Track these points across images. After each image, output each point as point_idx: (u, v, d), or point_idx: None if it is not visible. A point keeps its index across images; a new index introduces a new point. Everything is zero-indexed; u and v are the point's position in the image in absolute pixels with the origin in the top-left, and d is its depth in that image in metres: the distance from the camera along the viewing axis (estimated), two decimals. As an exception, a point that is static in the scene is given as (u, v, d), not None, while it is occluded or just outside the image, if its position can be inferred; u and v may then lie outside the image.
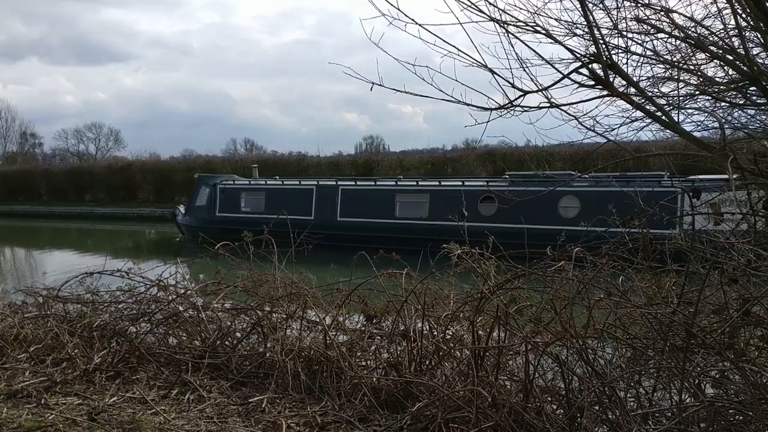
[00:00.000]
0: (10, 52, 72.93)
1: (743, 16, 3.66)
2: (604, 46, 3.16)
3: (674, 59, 4.16)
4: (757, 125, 4.83)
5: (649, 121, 3.89)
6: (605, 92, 3.23)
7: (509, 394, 2.69)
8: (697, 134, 4.06)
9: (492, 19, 3.08)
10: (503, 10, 3.12)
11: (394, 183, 16.46)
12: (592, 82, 3.15)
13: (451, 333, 3.34)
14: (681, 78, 4.11)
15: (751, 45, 4.05)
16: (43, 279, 5.56)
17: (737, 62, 3.71)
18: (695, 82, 4.25)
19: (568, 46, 3.29)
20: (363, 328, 3.75)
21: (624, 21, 3.82)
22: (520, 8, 3.34)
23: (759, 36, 4.03)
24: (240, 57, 80.00)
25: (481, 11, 3.06)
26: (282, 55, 79.06)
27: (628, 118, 4.21)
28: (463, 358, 3.03)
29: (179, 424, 2.79)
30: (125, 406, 3.03)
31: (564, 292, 2.81)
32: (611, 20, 3.75)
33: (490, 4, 3.06)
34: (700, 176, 10.32)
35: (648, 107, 3.45)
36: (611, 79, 3.11)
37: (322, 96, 74.74)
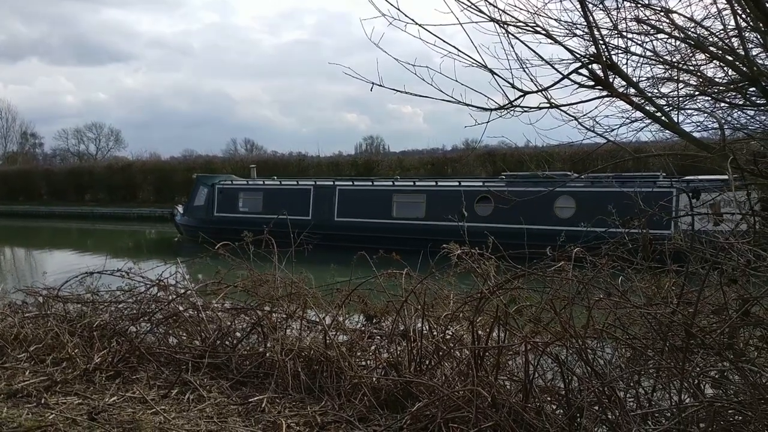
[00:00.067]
0: (11, 52, 73.07)
1: (743, 16, 3.66)
2: (603, 46, 3.16)
3: (674, 60, 4.16)
4: (757, 126, 4.83)
5: (648, 121, 3.89)
6: (605, 93, 3.23)
7: (509, 394, 2.69)
8: (696, 135, 4.07)
9: (492, 20, 3.09)
10: (503, 11, 3.13)
11: (391, 183, 16.54)
12: (592, 83, 3.15)
13: (450, 333, 3.34)
14: (681, 78, 4.11)
15: (750, 45, 4.06)
16: (44, 279, 5.56)
17: (737, 63, 3.72)
18: (695, 83, 4.25)
19: (568, 47, 3.29)
20: (363, 328, 3.75)
21: (624, 21, 3.83)
22: (520, 9, 3.35)
23: (758, 37, 4.04)
24: (240, 57, 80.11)
25: (481, 12, 3.06)
26: (282, 56, 79.16)
27: (627, 118, 4.22)
28: (463, 358, 3.03)
29: (179, 424, 2.79)
30: (125, 405, 3.03)
31: (563, 292, 2.81)
32: (611, 21, 3.76)
33: (490, 4, 3.06)
34: (696, 177, 10.34)
35: (648, 108, 3.45)
36: (611, 80, 3.11)
37: (322, 96, 74.84)
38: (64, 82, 76.53)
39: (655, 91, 4.26)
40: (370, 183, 16.96)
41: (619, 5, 3.78)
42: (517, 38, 3.14)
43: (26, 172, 35.27)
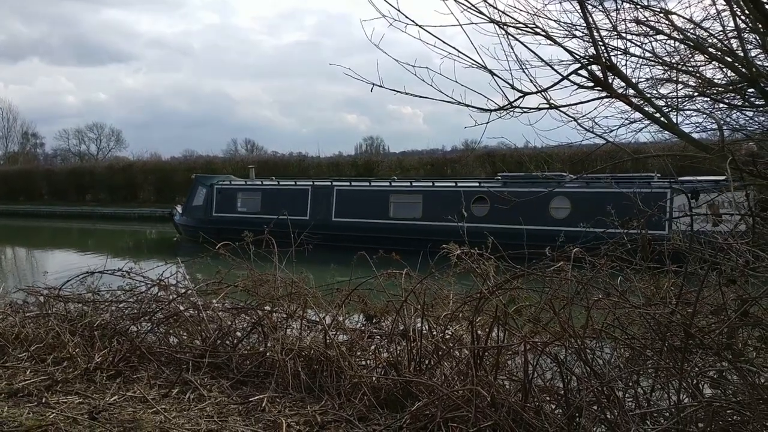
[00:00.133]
0: (11, 53, 73.13)
1: (742, 17, 3.67)
2: (603, 47, 3.17)
3: (673, 61, 4.18)
4: (756, 127, 4.84)
5: (647, 122, 3.90)
6: (604, 94, 3.24)
7: (508, 393, 2.70)
8: (695, 135, 4.08)
9: (492, 21, 3.10)
10: (503, 12, 3.14)
11: (388, 184, 16.61)
12: (591, 84, 3.16)
13: (450, 333, 3.35)
14: (680, 79, 4.13)
15: (749, 47, 4.07)
16: (44, 278, 5.57)
17: (736, 64, 3.73)
18: (694, 84, 4.26)
19: (568, 48, 3.30)
20: (363, 328, 3.76)
21: (623, 23, 3.84)
22: (520, 10, 3.36)
23: (757, 38, 4.05)
24: (240, 57, 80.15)
25: (481, 13, 3.07)
26: (282, 56, 79.18)
27: (626, 119, 4.23)
28: (463, 357, 3.04)
29: (180, 423, 2.80)
30: (126, 405, 3.04)
31: (563, 293, 2.82)
32: (610, 22, 3.77)
33: (489, 5, 3.07)
34: (690, 177, 10.36)
35: (647, 108, 3.46)
36: (610, 81, 3.12)
37: (323, 97, 74.85)
38: (65, 82, 76.67)
39: (654, 92, 4.28)
40: (368, 183, 17.07)
41: (619, 6, 3.80)
42: (516, 39, 3.16)
43: (27, 172, 35.29)
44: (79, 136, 52.61)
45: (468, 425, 2.48)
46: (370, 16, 3.01)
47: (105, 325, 3.94)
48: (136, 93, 74.59)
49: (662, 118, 3.43)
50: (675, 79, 4.10)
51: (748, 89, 4.02)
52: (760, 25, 3.51)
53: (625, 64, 3.75)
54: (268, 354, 3.49)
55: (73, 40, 77.24)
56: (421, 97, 3.14)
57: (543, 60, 3.23)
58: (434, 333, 3.26)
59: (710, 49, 3.91)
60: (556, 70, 3.18)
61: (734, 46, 3.88)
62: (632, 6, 3.86)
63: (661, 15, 3.96)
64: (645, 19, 3.93)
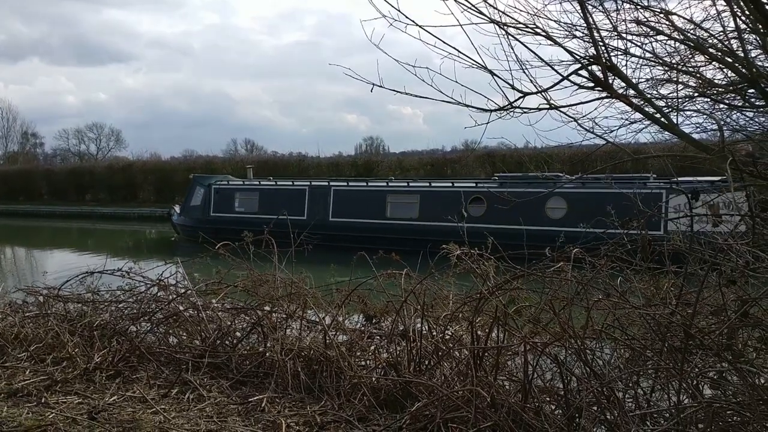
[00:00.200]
0: (11, 52, 73.16)
1: (742, 18, 3.67)
2: (603, 48, 3.17)
3: (673, 61, 4.18)
4: (756, 127, 4.84)
5: (647, 122, 3.90)
6: (604, 94, 3.24)
7: (508, 394, 2.69)
8: (695, 136, 4.07)
9: (492, 21, 3.09)
10: (503, 12, 3.13)
11: (385, 184, 16.71)
12: (592, 84, 3.15)
13: (450, 333, 3.35)
14: (680, 80, 4.13)
15: (750, 47, 4.07)
16: (44, 278, 5.57)
17: (736, 64, 3.72)
18: (694, 84, 4.26)
19: (568, 48, 3.30)
20: (362, 328, 3.76)
21: (623, 23, 3.85)
22: (520, 10, 3.36)
23: (758, 38, 4.04)
24: (240, 57, 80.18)
25: (481, 13, 3.06)
26: (282, 56, 79.20)
27: (627, 119, 4.23)
28: (462, 358, 3.04)
29: (179, 423, 2.80)
30: (125, 405, 3.04)
31: (563, 293, 2.82)
32: (611, 22, 3.77)
33: (490, 5, 3.07)
34: (687, 178, 10.38)
35: (647, 109, 3.45)
36: (610, 81, 3.12)
37: (322, 97, 74.88)
38: (65, 82, 76.70)
39: (655, 92, 4.28)
40: (365, 183, 17.15)
41: (619, 7, 3.80)
42: (516, 40, 3.15)
43: (27, 172, 35.28)
44: (79, 136, 52.70)
45: (468, 426, 2.48)
46: (370, 16, 3.01)
47: (104, 325, 3.94)
48: (136, 93, 74.71)
49: (662, 119, 3.42)
50: (675, 79, 4.10)
51: (748, 90, 4.02)
52: (760, 26, 3.51)
53: (626, 65, 3.76)
54: (267, 354, 3.49)
55: (74, 40, 77.35)
56: (421, 97, 3.14)
57: (543, 60, 3.23)
58: (434, 333, 3.25)
59: (710, 50, 3.91)
60: (556, 71, 3.18)
61: (734, 46, 3.88)
62: (632, 6, 3.86)
63: (662, 15, 3.96)
64: (645, 20, 3.93)
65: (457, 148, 34.47)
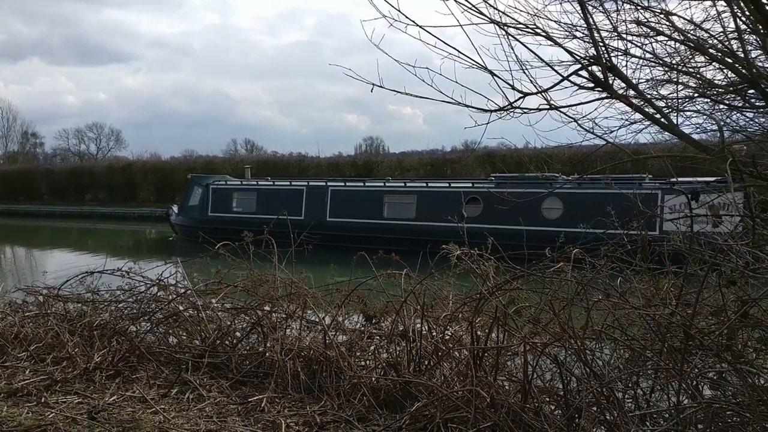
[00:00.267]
0: (11, 52, 73.10)
1: (742, 19, 3.67)
2: (603, 48, 3.17)
3: (673, 62, 4.18)
4: (756, 128, 4.84)
5: (647, 123, 3.90)
6: (604, 94, 3.24)
7: (508, 394, 2.70)
8: (695, 137, 4.08)
9: (492, 21, 3.09)
10: (503, 12, 3.13)
11: (382, 184, 16.79)
12: (592, 85, 3.16)
13: (450, 333, 3.35)
14: (680, 80, 4.13)
15: (750, 48, 4.07)
16: (44, 278, 5.57)
17: (736, 65, 3.72)
18: (694, 85, 4.26)
19: (568, 49, 3.30)
20: (362, 328, 3.76)
21: (624, 24, 3.85)
22: (521, 11, 3.36)
23: (758, 39, 4.04)
24: (240, 57, 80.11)
25: (481, 13, 3.07)
26: (282, 56, 79.14)
27: (627, 120, 4.24)
28: (462, 358, 3.04)
29: (179, 423, 2.80)
30: (125, 404, 3.04)
31: (562, 293, 2.82)
32: (611, 23, 3.77)
33: (490, 6, 3.07)
34: (682, 178, 10.40)
35: (647, 109, 3.46)
36: (610, 82, 3.12)
37: (322, 97, 74.84)
38: (65, 82, 76.66)
39: (655, 93, 4.28)
40: (362, 184, 17.22)
41: (619, 7, 3.80)
42: (517, 40, 3.16)
43: (27, 172, 35.27)
44: (79, 135, 52.69)
45: (467, 426, 2.48)
46: (370, 16, 3.01)
47: (104, 324, 3.94)
48: (136, 93, 74.65)
49: (662, 119, 3.42)
50: (675, 80, 4.10)
51: (748, 90, 4.02)
52: (760, 27, 3.51)
53: (626, 65, 3.76)
54: (267, 354, 3.49)
55: (74, 40, 77.30)
56: (421, 97, 3.14)
57: (543, 60, 3.23)
58: (434, 333, 3.25)
59: (711, 50, 3.91)
60: (556, 71, 3.18)
61: (735, 47, 3.88)
62: (633, 7, 3.86)
63: (662, 16, 3.96)
64: (645, 20, 3.93)
65: (457, 148, 34.50)
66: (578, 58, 3.23)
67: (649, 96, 3.77)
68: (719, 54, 3.91)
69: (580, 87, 3.22)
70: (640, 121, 4.14)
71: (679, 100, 4.19)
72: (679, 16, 4.01)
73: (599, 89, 3.17)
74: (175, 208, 19.44)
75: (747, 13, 3.48)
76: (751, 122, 4.85)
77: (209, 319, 3.85)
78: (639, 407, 2.58)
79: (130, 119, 71.28)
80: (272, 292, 3.93)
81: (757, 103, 4.17)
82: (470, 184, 15.62)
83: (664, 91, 4.35)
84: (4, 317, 4.23)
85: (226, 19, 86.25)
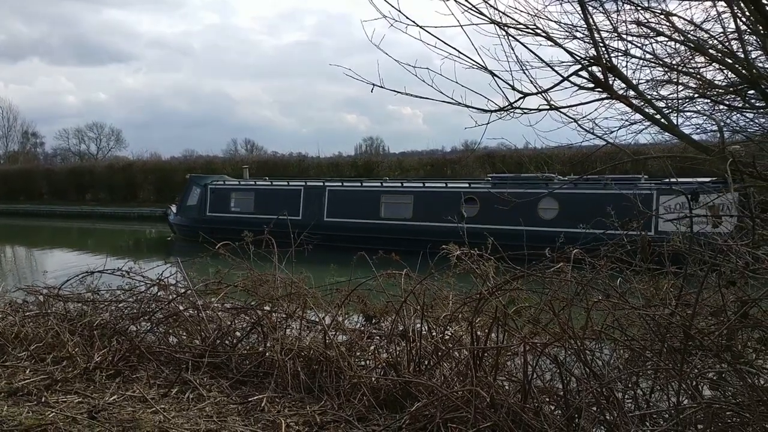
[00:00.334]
0: (12, 52, 73.13)
1: (743, 19, 3.67)
2: (603, 49, 3.17)
3: (673, 62, 4.18)
4: (756, 128, 4.84)
5: (647, 123, 3.90)
6: (604, 95, 3.24)
7: (507, 394, 2.70)
8: (695, 137, 4.07)
9: (492, 22, 3.09)
10: (504, 13, 3.13)
11: (379, 184, 16.82)
12: (592, 85, 3.16)
13: (449, 333, 3.35)
14: (680, 81, 4.12)
15: (750, 48, 4.07)
16: (44, 278, 5.58)
17: (736, 65, 3.72)
18: (694, 85, 4.26)
19: (568, 49, 3.30)
20: (362, 328, 3.76)
21: (624, 24, 3.85)
22: (521, 11, 3.36)
23: (758, 39, 4.05)
24: (240, 57, 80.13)
25: (481, 14, 3.07)
26: (282, 56, 79.15)
27: (627, 120, 4.24)
28: (462, 358, 3.04)
29: (179, 423, 2.80)
30: (125, 404, 3.05)
31: (562, 294, 2.82)
32: (611, 23, 3.77)
33: (490, 6, 3.07)
34: (679, 179, 10.42)
35: (647, 110, 3.46)
36: (611, 82, 3.12)
37: (322, 97, 74.85)
38: (65, 82, 76.69)
39: (655, 93, 4.28)
40: (359, 184, 17.25)
41: (619, 8, 3.80)
42: (517, 40, 3.16)
43: (27, 172, 35.27)
44: (79, 135, 52.70)
45: (467, 426, 2.48)
46: (370, 16, 3.01)
47: (104, 324, 3.94)
48: (136, 93, 74.67)
49: (662, 120, 3.42)
50: (675, 80, 4.10)
51: (748, 91, 4.02)
52: (760, 27, 3.51)
53: (626, 66, 3.76)
54: (267, 354, 3.49)
55: (74, 40, 77.33)
56: (421, 97, 3.15)
57: (543, 61, 3.23)
58: (434, 334, 3.26)
59: (711, 51, 3.91)
60: (556, 71, 3.18)
61: (735, 47, 3.88)
62: (633, 7, 3.86)
63: (662, 16, 3.96)
64: (645, 21, 3.93)
65: (457, 148, 34.50)
66: (578, 58, 3.23)
67: (649, 96, 3.77)
68: (719, 54, 3.91)
69: (581, 87, 3.22)
70: (640, 122, 4.15)
71: (679, 101, 4.19)
72: (680, 17, 4.01)
73: (599, 90, 3.17)
74: (174, 208, 19.48)
75: (747, 13, 3.48)
76: (751, 123, 4.86)
77: (209, 318, 3.85)
78: (639, 407, 2.58)
79: (130, 119, 71.39)
80: (272, 292, 3.94)
81: (757, 104, 4.17)
82: (467, 185, 15.67)
83: (664, 92, 4.35)
84: (4, 317, 4.24)
85: (226, 19, 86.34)
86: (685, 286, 2.82)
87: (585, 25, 3.23)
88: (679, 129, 3.53)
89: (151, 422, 2.78)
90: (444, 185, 15.81)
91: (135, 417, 2.85)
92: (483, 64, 3.05)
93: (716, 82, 4.29)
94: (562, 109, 3.27)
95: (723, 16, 4.00)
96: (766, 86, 3.58)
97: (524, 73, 3.11)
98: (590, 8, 3.37)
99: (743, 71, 3.63)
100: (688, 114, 4.45)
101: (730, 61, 3.83)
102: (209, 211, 17.86)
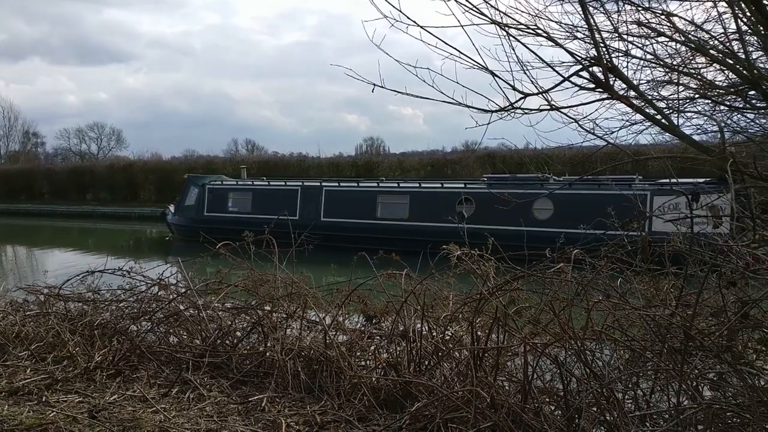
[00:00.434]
0: (12, 52, 73.07)
1: (743, 19, 3.67)
2: (604, 49, 3.17)
3: (674, 63, 4.18)
4: (757, 129, 4.84)
5: (648, 124, 3.90)
6: (605, 95, 3.24)
7: (508, 394, 2.70)
8: (696, 138, 4.07)
9: (493, 22, 3.10)
10: (504, 13, 3.14)
11: (376, 184, 16.87)
12: (593, 85, 3.16)
13: (450, 334, 3.36)
14: (681, 81, 4.12)
15: (751, 49, 4.06)
16: (45, 277, 5.57)
17: (737, 66, 3.72)
18: (695, 86, 4.26)
19: (569, 49, 3.30)
20: (362, 328, 3.76)
21: (625, 24, 3.85)
22: (522, 11, 3.36)
23: (759, 40, 4.04)
24: (240, 57, 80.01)
25: (482, 14, 3.07)
26: (282, 56, 79.05)
27: (627, 121, 4.23)
28: (462, 358, 3.04)
29: (179, 423, 2.81)
30: (126, 404, 3.05)
31: (563, 294, 2.82)
32: (612, 24, 3.77)
33: (491, 6, 3.07)
34: (675, 180, 10.43)
35: (648, 110, 3.46)
36: (611, 83, 3.12)
37: (323, 97, 74.79)
38: (66, 82, 76.62)
39: (656, 93, 4.28)
40: (356, 184, 17.31)
41: (620, 8, 3.80)
42: (518, 40, 3.16)
43: (28, 172, 35.28)
44: (80, 135, 52.70)
45: (467, 426, 2.48)
46: (371, 16, 3.01)
47: (105, 324, 3.94)
48: (137, 93, 74.59)
49: (663, 120, 3.42)
50: (676, 81, 4.10)
51: (749, 91, 4.02)
52: (761, 27, 3.51)
53: (627, 66, 3.76)
54: (267, 354, 3.50)
55: (74, 39, 77.26)
56: (421, 97, 3.15)
57: (544, 61, 3.23)
58: (434, 334, 3.26)
59: (711, 51, 3.91)
60: (557, 72, 3.18)
61: (736, 48, 3.87)
62: (633, 8, 3.86)
63: (663, 17, 3.95)
64: (646, 21, 3.93)
65: (457, 148, 34.43)
66: (579, 58, 3.23)
67: (649, 97, 3.76)
68: (720, 55, 3.91)
69: (581, 88, 3.22)
70: (640, 122, 4.14)
71: (680, 101, 4.19)
72: (680, 17, 4.01)
73: (600, 90, 3.17)
74: (172, 208, 19.51)
75: (748, 14, 3.48)
76: (752, 123, 4.85)
77: (210, 318, 3.85)
78: (639, 408, 2.58)
79: (130, 119, 71.30)
80: (273, 291, 3.94)
81: (757, 104, 4.17)
82: (462, 185, 15.70)
83: (664, 92, 4.35)
84: (5, 316, 4.24)
85: (227, 19, 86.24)
86: (685, 287, 2.82)
87: (586, 26, 3.23)
88: (679, 129, 3.53)
89: (152, 422, 2.79)
90: (440, 185, 15.86)
91: (135, 416, 2.85)
92: (484, 65, 3.06)
93: (717, 82, 4.29)
94: (562, 110, 3.27)
95: (724, 16, 4.00)
96: (766, 87, 3.58)
97: (525, 73, 3.12)
98: (591, 8, 3.38)
99: (744, 72, 3.63)
100: (689, 114, 4.45)
101: (730, 61, 3.83)
102: (207, 211, 17.90)
